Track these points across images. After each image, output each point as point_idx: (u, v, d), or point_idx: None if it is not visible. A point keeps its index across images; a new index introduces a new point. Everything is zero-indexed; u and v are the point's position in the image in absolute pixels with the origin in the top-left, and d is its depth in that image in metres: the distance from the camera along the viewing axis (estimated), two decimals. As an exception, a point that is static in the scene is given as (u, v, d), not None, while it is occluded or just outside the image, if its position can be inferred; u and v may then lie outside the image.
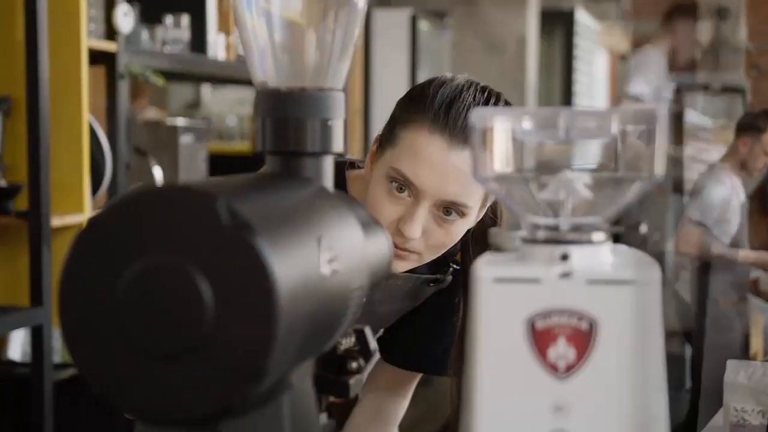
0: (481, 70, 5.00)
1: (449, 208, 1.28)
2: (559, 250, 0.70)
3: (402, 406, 1.62)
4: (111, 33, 2.74)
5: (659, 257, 4.19)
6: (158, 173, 2.94)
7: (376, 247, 0.87)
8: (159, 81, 2.81)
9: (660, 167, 0.70)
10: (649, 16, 10.27)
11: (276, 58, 0.84)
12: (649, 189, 0.72)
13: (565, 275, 0.69)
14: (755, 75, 8.84)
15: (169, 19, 3.09)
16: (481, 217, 1.37)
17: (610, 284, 0.69)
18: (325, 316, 0.71)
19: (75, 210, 2.58)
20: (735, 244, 4.32)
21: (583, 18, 7.48)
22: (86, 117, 2.58)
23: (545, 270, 0.69)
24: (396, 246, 1.28)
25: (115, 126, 2.74)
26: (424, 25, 4.95)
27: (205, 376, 0.61)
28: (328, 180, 0.84)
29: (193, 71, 3.29)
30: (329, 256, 0.72)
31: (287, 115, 0.83)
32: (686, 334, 4.42)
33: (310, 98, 0.83)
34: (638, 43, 9.98)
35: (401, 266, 1.32)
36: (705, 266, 4.35)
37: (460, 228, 1.31)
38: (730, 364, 1.98)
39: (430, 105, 1.28)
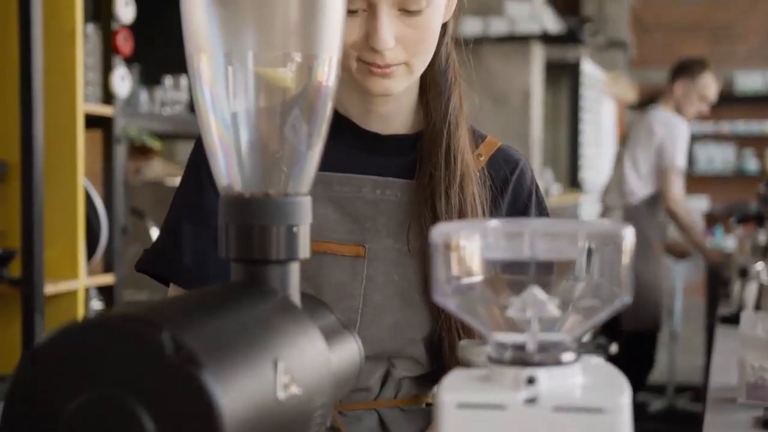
0: (485, 123, 4.99)
1: (410, 1, 1.17)
2: (526, 372, 0.68)
3: None
4: (108, 96, 2.74)
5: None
6: (156, 235, 2.92)
7: (344, 355, 0.84)
8: (155, 144, 2.80)
9: (627, 288, 0.68)
10: (655, 64, 10.31)
11: (240, 163, 0.82)
12: (618, 309, 0.70)
13: (531, 401, 0.67)
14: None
15: (168, 80, 3.09)
16: (452, 3, 1.27)
17: (578, 412, 0.66)
18: (281, 443, 0.68)
19: (69, 276, 2.56)
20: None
21: (589, 68, 7.49)
22: (82, 182, 2.57)
23: (510, 395, 0.67)
24: (377, 65, 1.19)
25: (111, 189, 2.73)
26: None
27: None
28: (294, 288, 0.81)
29: (192, 132, 3.29)
30: (287, 379, 0.69)
31: (251, 222, 0.80)
32: None
33: (274, 204, 0.81)
34: (645, 91, 10.03)
35: (393, 84, 1.22)
36: (641, 206, 4.46)
37: (432, 19, 1.20)
38: (745, 314, 1.81)
39: None
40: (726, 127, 10.19)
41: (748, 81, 10.09)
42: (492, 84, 5.47)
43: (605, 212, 4.78)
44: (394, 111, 1.31)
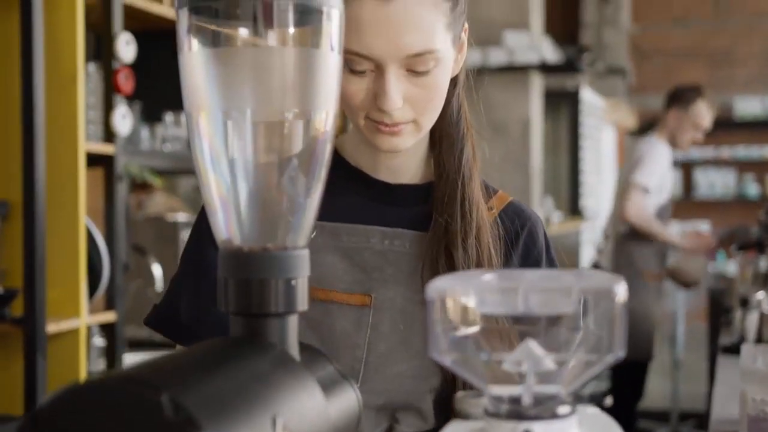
0: (485, 153, 5.00)
1: (417, 62, 1.16)
2: (522, 426, 0.68)
3: None
4: (109, 134, 2.75)
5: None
6: (158, 271, 2.93)
7: (342, 405, 0.85)
8: (156, 182, 2.81)
9: (621, 343, 0.68)
10: (654, 90, 10.36)
11: (239, 217, 0.83)
12: (613, 362, 0.70)
13: (527, 455, 0.67)
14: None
15: (169, 117, 3.11)
16: (461, 57, 1.27)
17: (574, 465, 0.67)
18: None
19: (71, 314, 2.56)
20: (659, 216, 4.44)
21: (588, 96, 7.53)
22: (83, 220, 2.58)
23: (507, 449, 0.67)
24: (384, 124, 1.19)
25: (113, 227, 2.75)
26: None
27: None
28: (292, 340, 0.82)
29: (193, 168, 3.30)
30: (285, 434, 0.70)
31: (250, 276, 0.81)
32: None
33: (273, 258, 0.82)
34: (644, 118, 10.07)
35: (402, 142, 1.21)
36: (630, 235, 4.42)
37: (440, 77, 1.19)
38: (746, 348, 1.80)
39: None
40: (726, 152, 10.21)
41: (748, 106, 10.13)
42: (491, 113, 5.49)
43: (605, 240, 4.78)
44: (403, 163, 1.31)
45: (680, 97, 4.49)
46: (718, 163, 10.29)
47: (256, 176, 0.82)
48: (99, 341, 2.85)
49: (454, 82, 1.27)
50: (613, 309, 0.67)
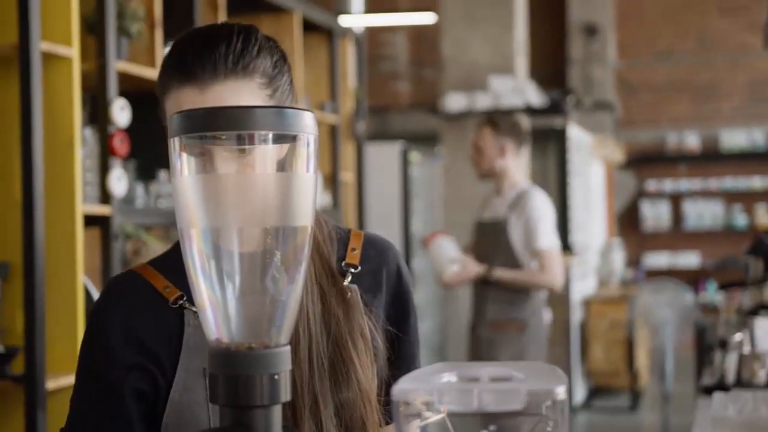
0: (474, 193, 5.11)
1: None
2: None
3: None
4: (106, 196, 2.86)
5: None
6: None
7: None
8: (150, 240, 2.92)
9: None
10: (642, 124, 10.50)
11: (227, 320, 0.93)
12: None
13: None
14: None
15: (163, 174, 3.21)
16: None
17: None
18: None
19: (70, 371, 2.65)
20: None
21: (575, 133, 7.65)
22: (81, 279, 2.68)
23: None
24: None
25: (109, 284, 2.84)
26: (415, 156, 5.09)
27: None
28: (276, 428, 0.92)
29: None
30: None
31: (237, 373, 0.91)
32: None
33: (257, 356, 0.92)
34: (632, 152, 10.21)
35: None
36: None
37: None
38: (717, 396, 1.87)
39: (171, 62, 1.24)
40: (714, 183, 10.35)
41: (734, 138, 10.28)
42: (479, 155, 5.59)
43: None
44: None
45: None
46: (706, 194, 10.42)
47: (242, 283, 0.92)
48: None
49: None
50: (558, 409, 0.77)
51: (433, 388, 0.81)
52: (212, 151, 1.07)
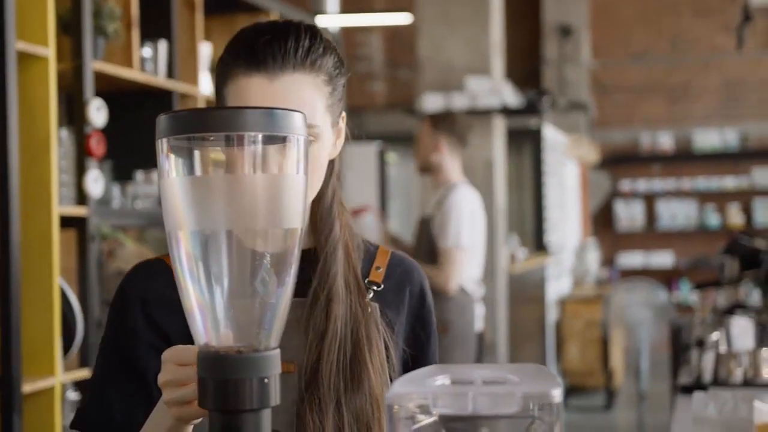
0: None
1: None
2: None
3: None
4: (82, 197, 2.83)
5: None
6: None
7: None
8: (127, 242, 2.89)
9: None
10: (616, 124, 10.55)
11: (216, 324, 0.92)
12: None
13: None
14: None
15: (140, 175, 3.19)
16: (339, 143, 1.34)
17: None
18: None
19: (46, 373, 2.63)
20: None
21: (550, 133, 7.68)
22: (57, 281, 2.65)
23: None
24: None
25: (86, 286, 2.81)
26: (391, 157, 5.08)
27: None
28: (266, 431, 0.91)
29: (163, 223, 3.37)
30: None
31: (227, 377, 0.90)
32: None
33: (246, 360, 0.91)
34: (607, 152, 10.26)
35: None
36: None
37: (318, 153, 1.26)
38: (697, 395, 1.87)
39: (239, 50, 1.26)
40: (687, 183, 10.41)
41: (706, 139, 10.35)
42: (455, 156, 5.59)
43: None
44: None
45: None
46: (679, 194, 10.48)
47: (231, 286, 0.91)
48: (73, 395, 2.91)
49: (330, 167, 1.34)
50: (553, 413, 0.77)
51: (428, 391, 0.81)
52: (200, 152, 1.06)
